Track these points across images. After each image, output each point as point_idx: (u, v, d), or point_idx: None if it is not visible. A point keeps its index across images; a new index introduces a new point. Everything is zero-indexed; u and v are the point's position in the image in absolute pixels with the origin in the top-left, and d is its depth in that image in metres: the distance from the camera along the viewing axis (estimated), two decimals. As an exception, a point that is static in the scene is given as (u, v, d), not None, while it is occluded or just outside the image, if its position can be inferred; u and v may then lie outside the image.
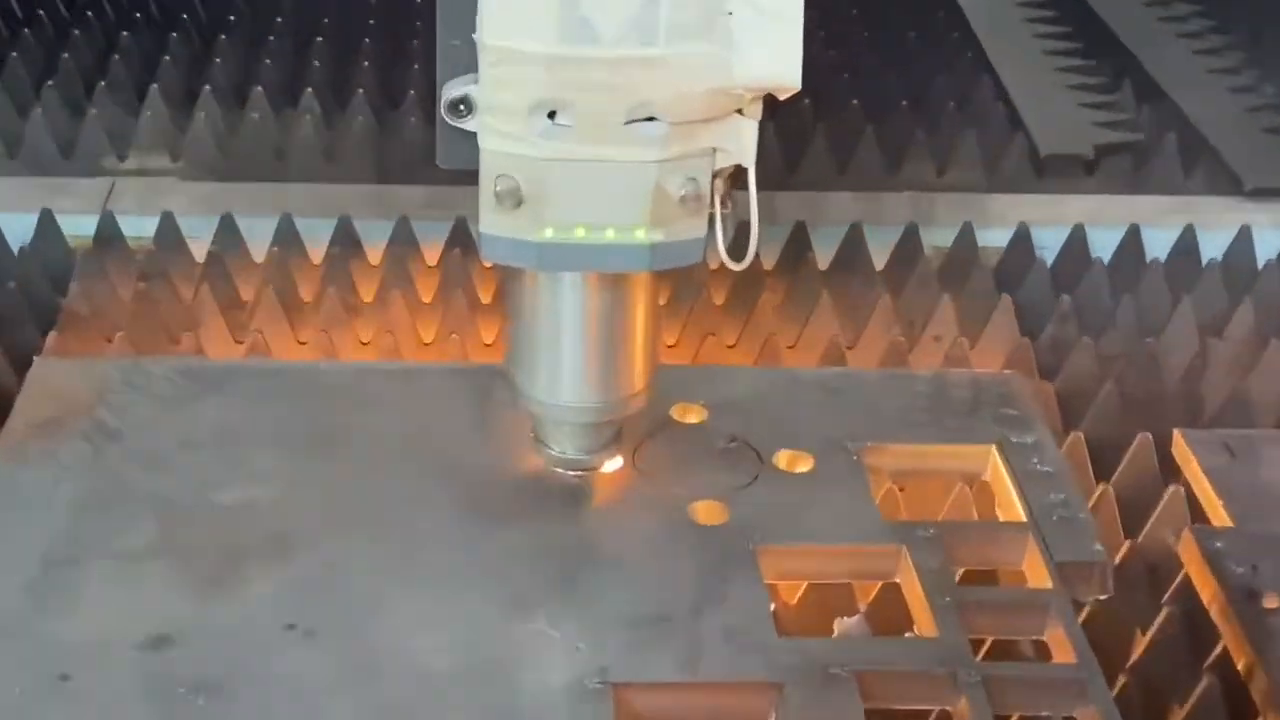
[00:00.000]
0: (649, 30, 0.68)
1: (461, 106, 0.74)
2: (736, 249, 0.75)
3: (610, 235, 0.73)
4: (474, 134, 0.74)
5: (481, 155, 0.73)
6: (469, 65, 0.73)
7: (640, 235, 0.73)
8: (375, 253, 1.17)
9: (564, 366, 0.80)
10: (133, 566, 0.79)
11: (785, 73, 0.69)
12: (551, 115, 0.70)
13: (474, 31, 0.72)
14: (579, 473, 0.83)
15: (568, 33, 0.68)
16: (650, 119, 0.71)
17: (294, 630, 0.75)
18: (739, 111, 0.72)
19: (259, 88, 1.34)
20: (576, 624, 0.76)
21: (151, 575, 0.78)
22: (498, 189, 0.72)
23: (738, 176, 0.74)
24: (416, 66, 1.40)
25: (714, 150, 0.72)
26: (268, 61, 1.40)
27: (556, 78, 0.69)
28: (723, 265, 0.75)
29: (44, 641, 0.74)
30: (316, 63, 1.41)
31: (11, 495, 0.83)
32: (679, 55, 0.69)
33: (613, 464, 0.84)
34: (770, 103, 0.72)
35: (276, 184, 1.26)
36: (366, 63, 1.41)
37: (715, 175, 0.73)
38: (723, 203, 0.74)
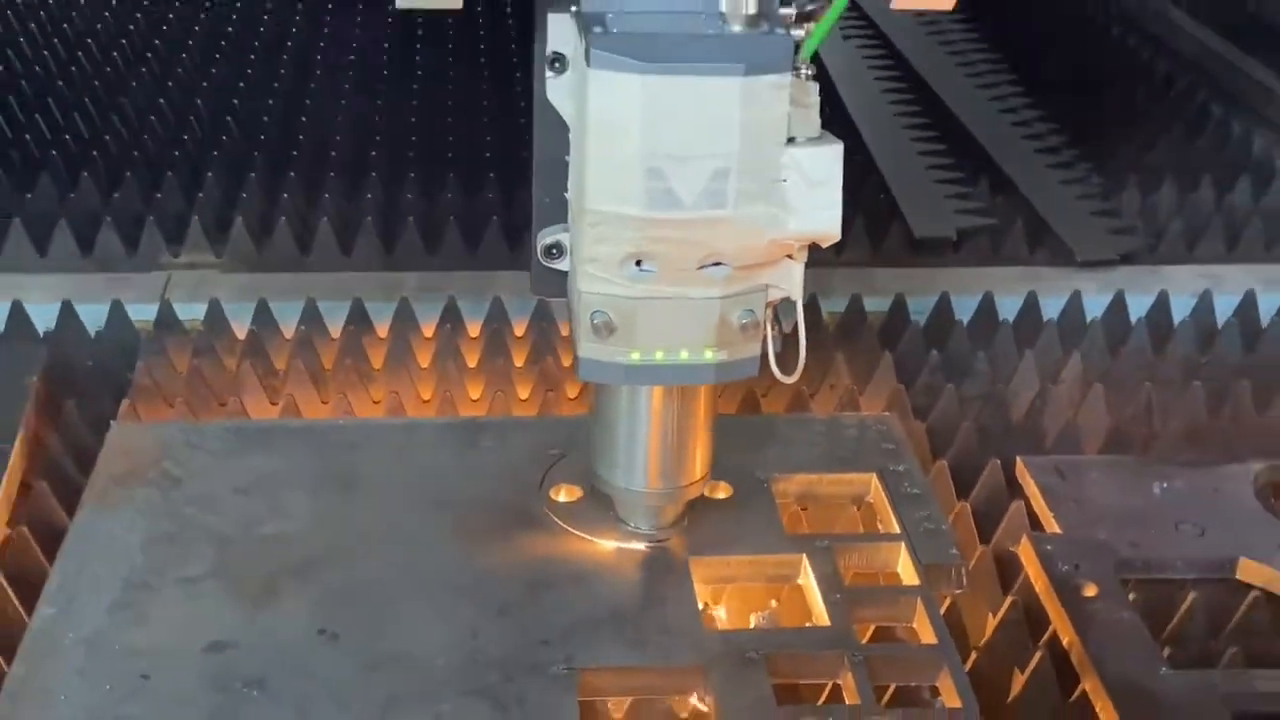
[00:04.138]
0: (720, 196, 0.69)
1: (554, 250, 0.76)
2: (784, 363, 0.76)
3: (684, 356, 0.74)
4: (563, 271, 0.75)
5: (580, 295, 0.73)
6: (558, 217, 0.75)
7: (708, 355, 0.74)
8: (382, 328, 1.17)
9: (639, 460, 0.80)
10: (195, 587, 0.80)
11: (829, 227, 0.71)
12: (638, 263, 0.71)
13: (564, 191, 0.74)
14: (650, 544, 0.83)
15: (655, 200, 0.69)
16: (718, 264, 0.71)
17: (323, 635, 0.77)
18: (789, 256, 0.73)
19: (285, 195, 1.36)
20: (547, 623, 0.78)
21: (210, 594, 0.80)
22: (595, 322, 0.72)
23: (784, 305, 0.76)
24: (412, 175, 1.41)
25: (767, 286, 0.74)
26: (292, 175, 1.41)
27: (645, 234, 0.70)
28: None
29: (127, 649, 0.77)
30: (331, 174, 1.42)
31: (97, 533, 0.84)
32: (743, 215, 0.70)
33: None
34: None
35: (302, 274, 1.26)
36: (374, 173, 1.42)
37: (766, 305, 0.74)
38: (771, 326, 0.75)
